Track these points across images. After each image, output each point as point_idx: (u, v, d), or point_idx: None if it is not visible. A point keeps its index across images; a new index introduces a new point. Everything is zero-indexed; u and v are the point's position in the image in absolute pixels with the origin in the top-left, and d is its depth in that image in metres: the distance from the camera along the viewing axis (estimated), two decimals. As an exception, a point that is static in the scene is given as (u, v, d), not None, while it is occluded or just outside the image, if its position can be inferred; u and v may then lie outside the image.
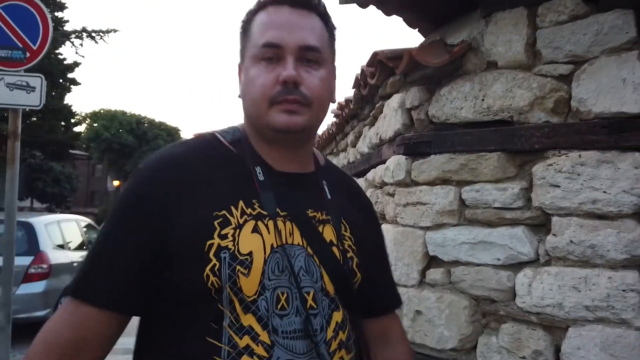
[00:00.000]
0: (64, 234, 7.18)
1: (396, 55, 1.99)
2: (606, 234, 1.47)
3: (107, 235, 0.86)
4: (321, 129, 5.28)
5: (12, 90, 3.14)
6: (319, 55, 0.86)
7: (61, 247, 6.90)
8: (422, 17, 2.13)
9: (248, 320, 0.79)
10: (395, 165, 2.00)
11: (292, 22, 0.85)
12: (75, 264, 6.92)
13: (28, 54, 3.16)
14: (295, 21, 0.85)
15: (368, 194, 2.53)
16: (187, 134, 40.64)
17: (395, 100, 2.08)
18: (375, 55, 2.10)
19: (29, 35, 3.14)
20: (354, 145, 3.28)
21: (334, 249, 0.87)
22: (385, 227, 2.07)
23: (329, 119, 3.91)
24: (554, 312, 1.54)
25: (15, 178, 3.29)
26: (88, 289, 0.82)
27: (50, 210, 23.98)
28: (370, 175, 2.52)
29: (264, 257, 0.81)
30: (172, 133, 34.60)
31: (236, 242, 0.81)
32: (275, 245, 0.82)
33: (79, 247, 7.45)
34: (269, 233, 0.83)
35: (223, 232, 0.81)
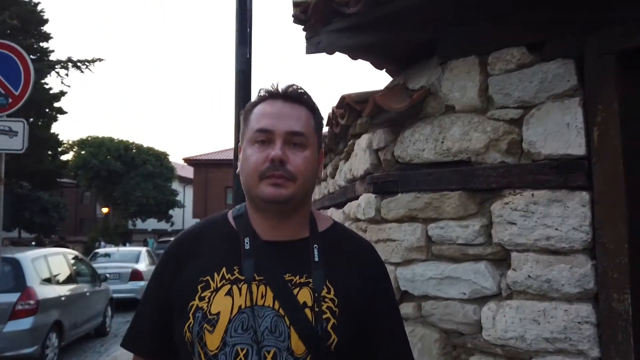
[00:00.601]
0: (51, 268, 7.14)
1: (362, 99, 2.10)
2: (560, 268, 1.56)
3: (144, 291, 1.13)
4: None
5: (-5, 135, 3.20)
6: (303, 139, 1.01)
7: (48, 281, 6.86)
8: (387, 60, 2.24)
9: None
10: (366, 202, 2.09)
11: (283, 112, 1.02)
12: (63, 298, 6.88)
13: (10, 100, 3.24)
14: (286, 112, 1.02)
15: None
16: (175, 157, 40.57)
17: (363, 140, 2.18)
18: (343, 98, 2.20)
19: (10, 82, 3.22)
20: (332, 177, 3.37)
21: (307, 310, 0.95)
22: (359, 263, 2.15)
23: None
24: (517, 345, 1.61)
25: (0, 219, 3.33)
26: (127, 338, 1.10)
27: (39, 241, 23.69)
28: (346, 208, 2.61)
29: (230, 317, 0.95)
30: (160, 158, 34.49)
31: (210, 303, 0.97)
32: (243, 307, 0.95)
33: (67, 281, 7.41)
34: (240, 295, 0.96)
35: (202, 294, 0.98)
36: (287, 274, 0.98)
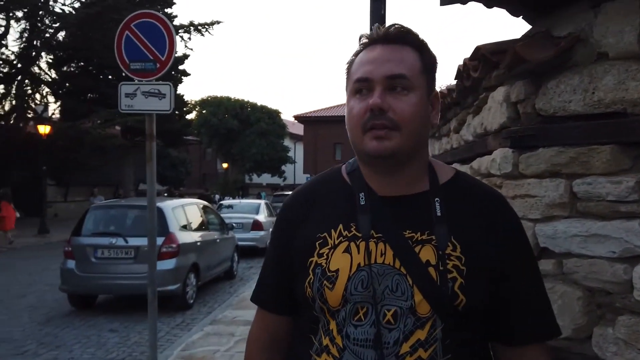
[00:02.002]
0: (187, 217, 7.96)
1: (499, 50, 2.01)
2: None
3: (267, 247, 1.14)
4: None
5: (147, 97, 3.61)
6: (407, 82, 0.93)
7: (185, 228, 7.68)
8: (526, 6, 2.11)
9: (332, 325, 0.94)
10: (501, 157, 2.04)
11: (382, 56, 0.94)
12: (198, 243, 7.69)
13: (158, 65, 3.60)
14: (386, 55, 0.94)
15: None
16: (286, 115, 41.91)
17: (499, 93, 2.11)
18: (478, 49, 2.13)
19: (157, 48, 3.57)
20: (457, 132, 3.30)
21: (430, 269, 0.90)
22: (493, 218, 2.13)
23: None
24: (673, 307, 1.52)
25: (154, 172, 3.79)
26: (255, 296, 1.12)
27: (170, 193, 26.29)
28: (475, 164, 2.57)
29: (349, 275, 0.93)
30: (273, 115, 35.91)
31: (328, 260, 0.95)
32: (362, 265, 0.92)
33: (200, 228, 8.23)
34: (359, 253, 0.94)
35: (321, 251, 0.97)
36: (407, 231, 0.93)
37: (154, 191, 3.83)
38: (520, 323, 0.96)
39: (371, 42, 0.98)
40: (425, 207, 0.95)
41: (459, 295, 0.89)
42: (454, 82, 2.84)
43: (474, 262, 0.91)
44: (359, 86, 0.95)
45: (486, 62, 2.14)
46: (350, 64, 1.01)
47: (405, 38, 0.97)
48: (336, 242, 0.96)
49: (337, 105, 35.66)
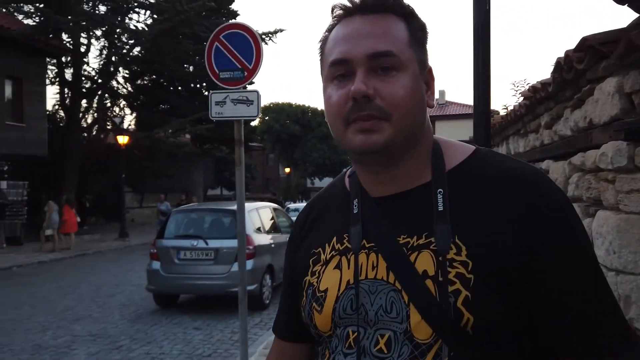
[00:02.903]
0: (261, 219, 8.20)
1: (609, 39, 1.95)
2: None
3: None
4: (505, 110, 5.14)
5: (235, 104, 3.78)
6: (394, 60, 0.75)
7: (260, 230, 7.92)
8: (637, -7, 2.02)
9: (327, 355, 0.82)
10: (614, 151, 1.97)
11: (360, 31, 0.76)
12: (272, 245, 7.90)
13: (246, 73, 3.77)
14: (365, 29, 0.76)
15: (574, 179, 2.50)
16: (346, 118, 42.10)
17: (610, 84, 2.04)
18: (585, 40, 2.07)
19: (245, 57, 3.74)
20: (548, 127, 3.20)
21: (428, 282, 0.71)
22: (604, 214, 2.06)
23: (512, 100, 3.84)
24: None
25: (242, 176, 3.96)
26: (274, 324, 1.02)
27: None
28: (577, 159, 2.49)
29: (337, 294, 0.79)
30: (333, 119, 36.10)
31: (319, 279, 0.83)
32: (351, 281, 0.79)
33: (273, 230, 8.46)
34: (349, 269, 0.80)
35: (314, 268, 0.85)
36: (402, 236, 0.76)
37: (242, 195, 3.99)
38: (563, 340, 0.71)
39: (346, 13, 0.79)
40: (425, 203, 0.77)
41: (463, 312, 0.69)
42: (547, 77, 2.77)
43: (484, 268, 0.70)
44: (336, 70, 0.77)
45: (593, 52, 2.08)
46: (324, 42, 0.83)
47: (386, 4, 0.78)
48: (328, 257, 0.84)
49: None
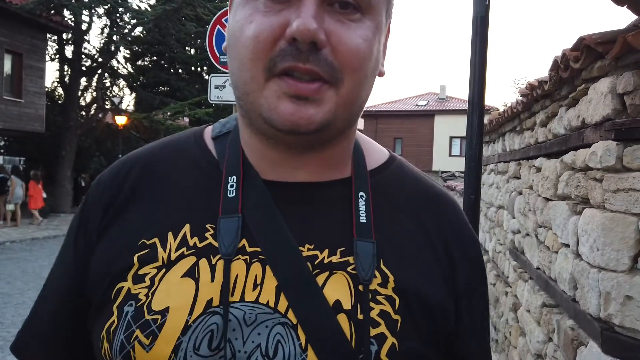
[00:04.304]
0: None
1: (606, 40, 1.97)
2: None
3: (49, 273, 0.65)
4: (503, 107, 5.14)
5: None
6: None
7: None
8: (636, -5, 2.04)
9: None
10: (604, 150, 2.00)
11: None
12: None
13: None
14: None
15: (564, 177, 2.53)
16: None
17: (604, 84, 2.06)
18: (582, 39, 2.09)
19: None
20: (543, 125, 3.22)
21: (342, 317, 0.51)
22: (591, 212, 2.09)
23: (512, 97, 3.85)
24: None
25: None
26: (16, 341, 0.63)
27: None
28: (568, 157, 2.51)
29: (186, 322, 0.50)
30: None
31: (152, 289, 0.53)
32: (215, 303, 0.51)
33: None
34: (212, 281, 0.52)
35: (141, 271, 0.54)
36: (306, 245, 0.54)
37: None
38: None
39: None
40: (342, 207, 0.57)
41: None
42: (545, 74, 2.79)
43: (411, 308, 0.54)
44: None
45: (589, 52, 2.10)
46: None
47: None
48: (173, 255, 0.54)
49: (398, 100, 35.31)
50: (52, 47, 18.44)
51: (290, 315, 0.50)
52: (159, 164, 0.61)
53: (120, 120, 17.25)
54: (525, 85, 3.30)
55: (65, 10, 16.70)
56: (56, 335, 0.61)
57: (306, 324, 0.50)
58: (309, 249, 0.54)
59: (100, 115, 19.09)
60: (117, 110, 18.27)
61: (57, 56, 18.60)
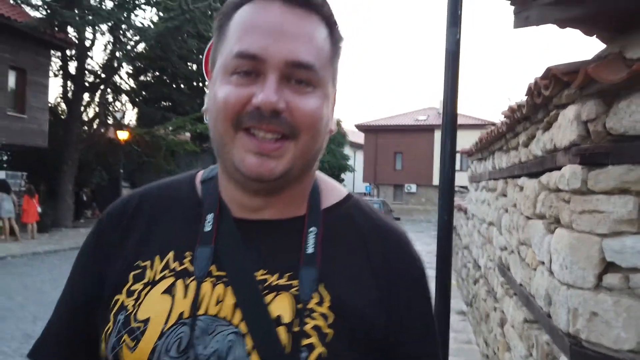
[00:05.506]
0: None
1: (571, 70, 2.10)
2: None
3: (62, 292, 0.78)
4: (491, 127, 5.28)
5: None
6: (313, 76, 0.65)
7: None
8: (600, 28, 2.18)
9: None
10: (570, 173, 2.12)
11: (282, 25, 0.64)
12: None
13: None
14: (288, 25, 0.64)
15: (541, 197, 2.65)
16: (347, 124, 42.21)
17: (570, 111, 2.19)
18: (549, 70, 2.22)
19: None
20: (525, 146, 3.35)
21: (281, 329, 0.63)
22: (560, 232, 2.21)
23: (497, 118, 4.00)
24: None
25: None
26: (35, 348, 0.78)
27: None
28: (544, 178, 2.64)
29: (162, 328, 0.64)
30: (334, 124, 36.28)
31: (139, 302, 0.67)
32: (186, 315, 0.65)
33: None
34: (185, 297, 0.66)
35: (133, 286, 0.68)
36: (261, 271, 0.67)
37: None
38: None
39: None
40: (294, 240, 0.69)
41: None
42: (524, 98, 2.92)
43: (345, 324, 0.65)
44: (241, 64, 0.64)
45: (557, 81, 2.23)
46: (227, 17, 0.68)
47: (314, 2, 0.67)
48: (158, 276, 0.68)
49: (398, 115, 35.56)
50: (55, 64, 18.72)
51: (242, 326, 0.64)
52: (158, 201, 0.77)
53: (122, 135, 17.46)
54: (508, 108, 3.44)
55: (69, 27, 17.00)
56: (72, 335, 0.74)
57: (253, 334, 0.63)
58: (262, 274, 0.67)
59: (102, 130, 19.31)
60: (119, 125, 18.52)
61: (61, 72, 18.88)
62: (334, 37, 0.70)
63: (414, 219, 29.66)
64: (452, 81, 2.16)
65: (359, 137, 39.09)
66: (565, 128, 2.25)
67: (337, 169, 35.68)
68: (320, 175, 0.79)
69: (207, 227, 0.70)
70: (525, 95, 2.79)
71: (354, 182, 39.63)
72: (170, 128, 19.34)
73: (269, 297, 0.65)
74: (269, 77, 0.63)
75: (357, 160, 39.35)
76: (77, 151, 17.70)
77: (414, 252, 0.75)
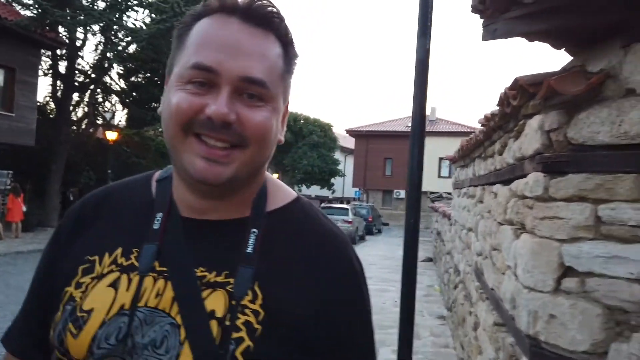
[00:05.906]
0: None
1: (536, 82, 2.18)
2: None
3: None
4: (470, 135, 5.38)
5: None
6: (264, 92, 0.70)
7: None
8: (566, 42, 2.27)
9: None
10: (534, 181, 2.20)
11: (238, 42, 0.68)
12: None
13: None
14: (243, 42, 0.69)
15: (511, 203, 2.73)
16: (338, 129, 42.28)
17: (535, 121, 2.27)
18: (516, 80, 2.31)
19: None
20: (500, 153, 3.44)
21: (213, 322, 0.67)
22: (524, 237, 2.29)
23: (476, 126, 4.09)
24: (687, 327, 1.64)
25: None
26: (6, 333, 0.85)
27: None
28: (513, 186, 2.72)
29: (103, 318, 0.69)
30: (325, 128, 36.46)
31: (85, 294, 0.72)
32: (126, 307, 0.69)
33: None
34: (127, 290, 0.71)
35: (82, 279, 0.73)
36: (200, 268, 0.71)
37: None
38: None
39: (223, 9, 0.70)
40: (235, 240, 0.73)
41: None
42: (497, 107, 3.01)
43: (274, 322, 0.68)
44: (195, 75, 0.68)
45: (524, 92, 2.32)
46: (187, 27, 0.72)
47: (271, 22, 0.71)
48: (105, 270, 0.73)
49: (389, 121, 35.79)
50: (45, 63, 18.63)
51: (178, 318, 0.68)
52: (115, 199, 0.82)
53: (111, 135, 17.41)
54: (484, 117, 3.52)
55: (60, 26, 16.94)
56: (31, 322, 0.81)
57: (186, 325, 0.67)
58: (202, 271, 0.71)
59: (91, 130, 19.23)
60: (108, 125, 18.45)
61: (51, 71, 18.79)
62: (288, 55, 0.75)
63: (402, 225, 29.73)
64: (421, 89, 2.24)
65: (350, 142, 39.23)
66: (530, 137, 2.33)
67: (327, 173, 35.77)
68: (271, 179, 0.82)
69: (156, 225, 0.74)
70: (497, 105, 2.88)
71: (344, 187, 39.72)
72: (160, 129, 19.31)
73: (205, 293, 0.69)
74: (223, 90, 0.67)
75: (347, 165, 39.48)
76: (65, 151, 17.61)
77: (352, 254, 0.78)
